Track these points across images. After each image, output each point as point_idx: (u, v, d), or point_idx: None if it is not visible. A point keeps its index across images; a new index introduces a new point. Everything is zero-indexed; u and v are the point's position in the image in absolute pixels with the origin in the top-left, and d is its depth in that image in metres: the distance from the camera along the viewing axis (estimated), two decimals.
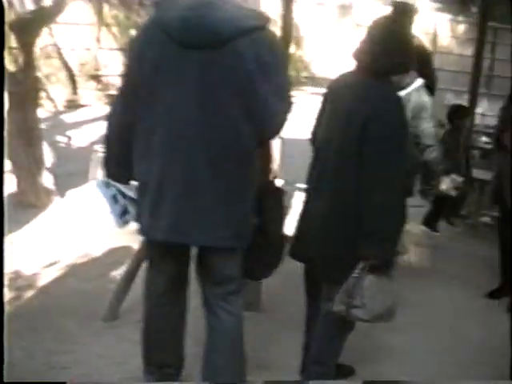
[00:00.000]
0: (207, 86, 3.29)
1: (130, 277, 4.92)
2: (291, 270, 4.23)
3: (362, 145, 3.66)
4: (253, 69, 3.27)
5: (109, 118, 3.82)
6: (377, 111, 3.67)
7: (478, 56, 8.45)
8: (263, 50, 3.31)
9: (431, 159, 5.33)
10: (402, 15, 5.61)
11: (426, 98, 5.36)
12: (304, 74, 20.35)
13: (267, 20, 3.44)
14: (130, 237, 5.09)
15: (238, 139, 3.37)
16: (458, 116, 7.81)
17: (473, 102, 8.66)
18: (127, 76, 3.56)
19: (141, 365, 3.96)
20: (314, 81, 20.02)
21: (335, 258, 3.83)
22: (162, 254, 3.69)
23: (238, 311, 3.72)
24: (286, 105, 3.49)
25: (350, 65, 3.93)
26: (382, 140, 3.63)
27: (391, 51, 3.77)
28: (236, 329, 3.74)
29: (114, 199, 4.01)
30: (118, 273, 5.42)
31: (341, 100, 3.88)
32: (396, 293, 3.79)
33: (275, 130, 3.57)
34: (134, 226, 3.82)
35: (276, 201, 3.89)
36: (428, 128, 5.30)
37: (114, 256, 6.08)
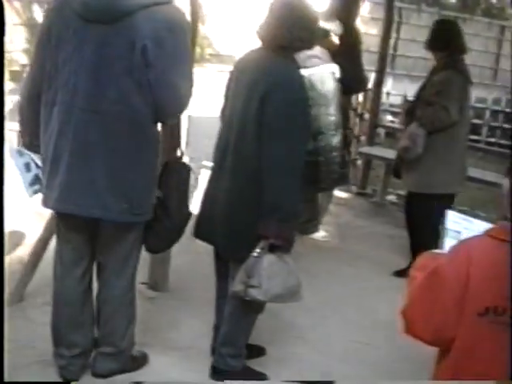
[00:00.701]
0: (102, 59, 3.36)
1: (36, 257, 4.76)
2: (201, 249, 4.16)
3: (261, 121, 3.62)
4: (147, 43, 3.30)
5: (22, 88, 3.80)
6: (274, 86, 3.62)
7: (386, 35, 8.47)
8: (161, 24, 3.35)
9: (323, 146, 5.35)
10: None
11: (328, 86, 5.34)
12: (209, 51, 20.28)
13: None
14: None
15: (132, 113, 3.41)
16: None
17: (379, 81, 8.69)
18: (36, 47, 3.60)
19: (50, 348, 3.89)
20: (219, 58, 20.01)
21: (238, 237, 3.80)
22: (68, 226, 3.73)
23: (126, 282, 3.81)
24: (186, 81, 3.51)
25: (256, 42, 3.88)
26: (279, 115, 3.60)
27: (291, 26, 3.72)
28: (124, 299, 3.85)
29: (26, 168, 3.94)
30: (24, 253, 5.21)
31: (244, 76, 3.84)
32: (297, 273, 3.72)
33: (174, 106, 3.57)
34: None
35: (180, 177, 3.89)
36: (324, 115, 5.30)
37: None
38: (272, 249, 3.61)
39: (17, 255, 5.29)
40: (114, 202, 3.47)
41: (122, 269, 3.77)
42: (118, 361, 3.91)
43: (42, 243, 4.73)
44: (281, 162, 3.59)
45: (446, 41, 5.82)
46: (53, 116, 3.46)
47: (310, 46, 3.94)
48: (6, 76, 12.80)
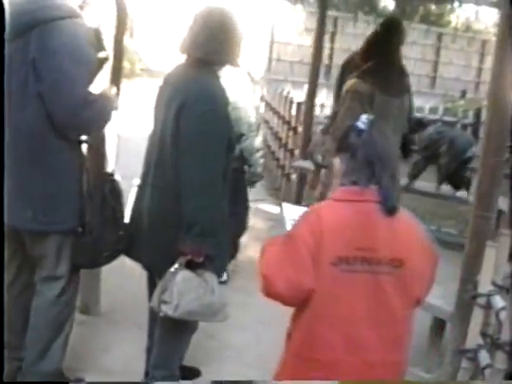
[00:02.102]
0: (13, 72, 3.40)
1: None
2: (133, 271, 4.08)
3: (177, 136, 3.59)
4: (37, 57, 3.42)
5: None
6: (189, 99, 3.58)
7: (318, 46, 8.49)
8: (53, 38, 3.44)
9: (245, 147, 5.40)
10: None
11: (245, 88, 5.39)
12: (139, 65, 20.24)
13: (69, 11, 3.55)
14: None
15: (29, 125, 3.52)
16: None
17: (312, 93, 8.69)
18: None
19: None
20: (149, 73, 20.01)
21: (162, 254, 3.74)
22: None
23: (52, 296, 3.79)
24: (79, 94, 3.51)
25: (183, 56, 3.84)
26: (193, 129, 3.56)
27: (211, 39, 3.69)
28: (50, 311, 3.81)
29: None
30: None
31: (166, 92, 3.80)
32: (219, 291, 3.67)
33: (66, 118, 3.54)
34: None
35: (107, 193, 3.89)
36: (245, 118, 5.34)
37: None
38: (191, 265, 3.58)
39: None
40: (20, 210, 3.53)
41: (50, 278, 3.78)
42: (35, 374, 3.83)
43: None
44: (196, 177, 3.55)
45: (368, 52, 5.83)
46: None
47: (234, 59, 3.87)
48: None
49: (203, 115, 3.56)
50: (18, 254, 3.83)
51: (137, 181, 4.08)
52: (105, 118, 3.76)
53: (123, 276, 4.85)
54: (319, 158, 6.51)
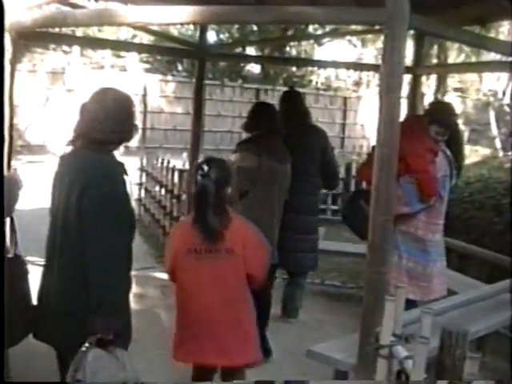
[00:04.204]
0: None
1: None
2: (41, 351, 4.08)
3: (80, 217, 3.68)
4: None
5: None
6: (88, 183, 3.68)
7: (198, 113, 8.65)
8: None
9: None
10: None
11: None
12: (19, 142, 19.97)
13: None
14: None
15: None
16: None
17: (194, 159, 8.82)
18: None
19: None
20: (29, 149, 19.75)
21: (72, 335, 3.78)
22: None
23: None
24: None
25: (64, 131, 3.92)
26: (94, 212, 3.67)
27: (103, 120, 3.80)
28: None
29: None
30: None
31: (64, 174, 3.88)
32: (130, 367, 3.71)
33: None
34: None
35: (14, 276, 3.90)
36: None
37: None
38: (101, 343, 3.62)
39: None
40: None
41: None
42: None
43: None
44: (101, 257, 3.63)
45: (253, 123, 6.16)
46: None
47: (128, 138, 3.99)
48: None
49: (105, 196, 3.67)
50: None
51: (32, 258, 4.13)
52: (15, 200, 3.81)
53: (31, 355, 4.82)
54: None
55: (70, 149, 4.01)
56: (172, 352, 4.46)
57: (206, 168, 4.23)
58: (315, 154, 6.69)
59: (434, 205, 5.54)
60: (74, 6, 6.38)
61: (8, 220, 4.03)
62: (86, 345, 3.59)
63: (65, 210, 3.78)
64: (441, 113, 5.74)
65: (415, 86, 7.80)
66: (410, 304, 5.11)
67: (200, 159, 4.20)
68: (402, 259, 5.55)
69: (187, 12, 4.23)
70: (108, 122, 3.80)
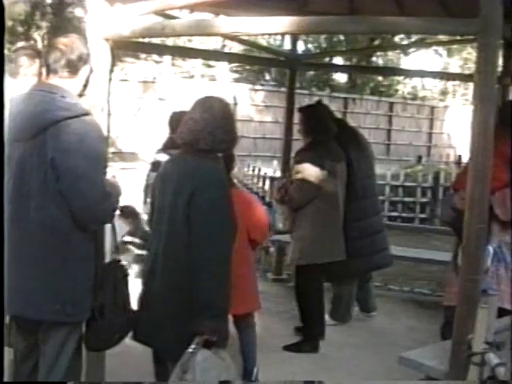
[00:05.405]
0: (24, 173, 3.66)
1: None
2: (135, 351, 4.19)
3: (188, 223, 3.78)
4: (56, 156, 3.58)
5: None
6: (199, 188, 3.79)
7: (288, 122, 8.74)
8: (69, 137, 3.59)
9: None
10: None
11: None
12: (111, 149, 20.39)
13: (81, 110, 3.72)
14: None
15: (52, 223, 3.64)
16: None
17: (286, 167, 8.90)
18: None
19: None
20: (121, 156, 20.09)
21: (175, 337, 3.87)
22: (16, 325, 3.97)
23: (58, 378, 3.84)
24: (97, 189, 3.66)
25: (156, 139, 4.02)
26: (205, 216, 3.77)
27: (213, 130, 3.91)
28: None
29: None
30: None
31: (169, 183, 3.98)
32: (234, 368, 3.84)
33: (85, 215, 3.71)
34: None
35: (117, 279, 4.00)
36: None
37: None
38: (207, 344, 3.70)
39: None
40: (45, 303, 3.67)
41: (54, 364, 3.83)
42: None
43: None
44: (210, 261, 3.73)
45: (311, 128, 6.41)
46: None
47: (233, 146, 4.13)
48: None
49: (215, 201, 3.79)
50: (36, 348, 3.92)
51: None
52: (116, 207, 3.95)
53: (126, 355, 4.94)
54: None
55: (162, 156, 4.11)
56: None
57: None
58: None
59: None
60: (168, 16, 6.50)
61: (109, 226, 4.17)
62: (193, 346, 3.67)
63: (170, 216, 3.89)
64: None
65: (504, 95, 7.62)
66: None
67: None
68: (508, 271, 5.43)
69: (285, 22, 4.30)
70: (218, 131, 3.92)
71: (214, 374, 3.67)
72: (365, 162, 6.88)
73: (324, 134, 6.32)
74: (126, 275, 4.10)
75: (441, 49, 26.88)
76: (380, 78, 28.86)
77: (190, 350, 3.67)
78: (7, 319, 3.95)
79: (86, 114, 3.74)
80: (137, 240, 6.50)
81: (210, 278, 3.73)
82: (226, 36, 9.21)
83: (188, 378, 3.64)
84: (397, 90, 30.20)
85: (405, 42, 19.83)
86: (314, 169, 6.15)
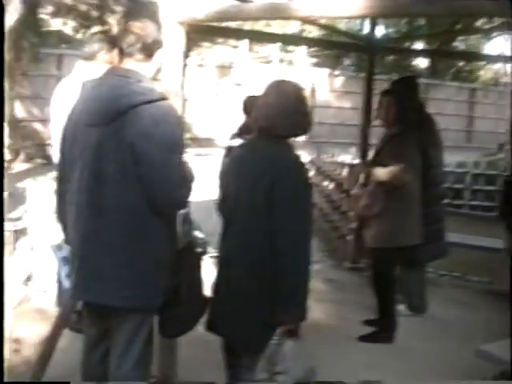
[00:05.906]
0: (100, 158, 3.60)
1: (44, 359, 4.70)
2: (208, 338, 4.15)
3: (270, 210, 3.70)
4: (135, 141, 3.52)
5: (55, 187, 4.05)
6: (282, 173, 3.72)
7: (367, 108, 8.61)
8: (147, 121, 3.54)
9: None
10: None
11: None
12: (187, 135, 20.52)
13: (158, 94, 3.67)
14: None
15: (130, 208, 3.62)
16: None
17: (364, 155, 8.78)
18: (59, 150, 3.91)
19: None
20: (197, 142, 20.19)
21: (253, 328, 3.82)
22: (87, 312, 3.98)
23: (130, 366, 3.81)
24: (176, 174, 3.64)
25: (232, 124, 3.96)
26: (289, 202, 3.69)
27: (291, 114, 3.84)
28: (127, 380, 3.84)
29: (64, 261, 4.24)
30: None
31: (245, 167, 3.92)
32: (313, 353, 3.78)
33: (164, 200, 3.69)
34: None
35: (190, 263, 3.98)
36: None
37: None
38: (289, 333, 3.66)
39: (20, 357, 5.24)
40: (119, 289, 3.64)
41: (125, 352, 3.80)
42: None
43: (50, 342, 4.70)
44: (295, 246, 3.67)
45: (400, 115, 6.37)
46: (69, 213, 3.76)
47: (307, 130, 4.02)
48: None
49: (298, 186, 3.75)
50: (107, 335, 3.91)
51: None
52: (191, 192, 3.88)
53: (196, 344, 4.90)
54: None
55: (237, 141, 4.05)
56: None
57: None
58: None
59: None
60: (245, 0, 6.44)
61: (183, 212, 4.11)
62: (277, 337, 3.64)
63: (247, 202, 3.83)
64: None
65: None
66: None
67: None
68: None
69: (362, 4, 4.15)
70: (294, 116, 3.86)
71: (301, 363, 3.66)
72: (435, 150, 6.84)
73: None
74: (199, 260, 4.07)
75: None
76: (461, 64, 28.35)
77: (275, 342, 3.64)
78: (80, 305, 3.97)
79: (163, 98, 3.69)
80: None
81: (295, 264, 3.66)
82: (304, 20, 9.08)
83: (279, 370, 3.62)
84: (478, 76, 29.62)
85: (487, 26, 19.37)
86: (413, 152, 6.20)
